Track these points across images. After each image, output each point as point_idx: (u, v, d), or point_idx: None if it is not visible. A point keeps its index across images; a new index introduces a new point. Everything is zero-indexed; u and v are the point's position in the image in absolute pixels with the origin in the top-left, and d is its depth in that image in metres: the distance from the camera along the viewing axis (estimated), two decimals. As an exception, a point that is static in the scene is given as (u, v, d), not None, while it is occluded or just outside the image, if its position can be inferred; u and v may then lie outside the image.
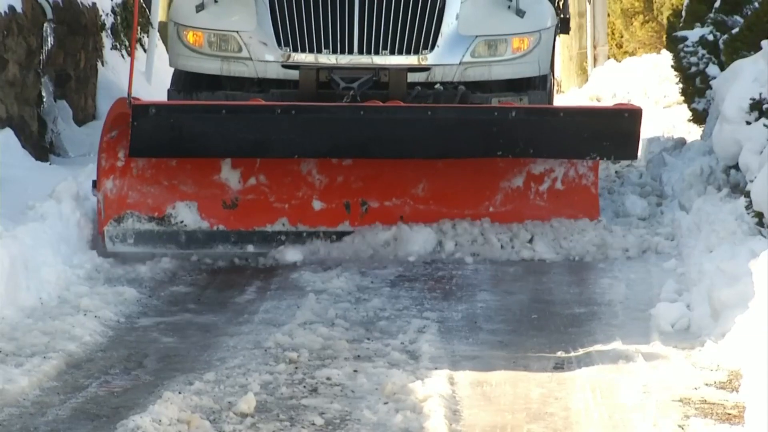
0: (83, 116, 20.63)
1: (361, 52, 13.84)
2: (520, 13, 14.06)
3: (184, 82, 14.60)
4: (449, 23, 13.93)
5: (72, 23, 21.06)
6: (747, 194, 14.88)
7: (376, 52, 13.83)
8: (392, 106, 13.66)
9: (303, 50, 13.86)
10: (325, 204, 14.35)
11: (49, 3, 19.91)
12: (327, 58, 13.87)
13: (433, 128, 13.57)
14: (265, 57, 14.06)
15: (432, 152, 13.94)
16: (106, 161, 13.83)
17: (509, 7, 14.10)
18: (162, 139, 13.29)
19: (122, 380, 10.65)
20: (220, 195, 14.21)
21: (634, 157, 15.14)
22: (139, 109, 12.91)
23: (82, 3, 21.34)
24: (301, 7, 13.65)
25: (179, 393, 9.74)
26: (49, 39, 19.75)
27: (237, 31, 14.07)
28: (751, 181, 14.86)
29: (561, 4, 16.32)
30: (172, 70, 15.82)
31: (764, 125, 15.33)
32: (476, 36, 14.09)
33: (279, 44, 13.87)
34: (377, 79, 13.79)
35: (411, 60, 13.95)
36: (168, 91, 15.10)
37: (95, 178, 14.02)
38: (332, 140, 13.74)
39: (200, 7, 14.01)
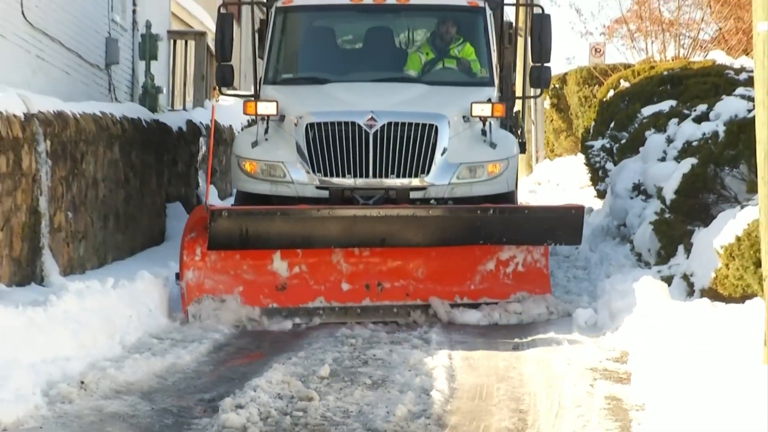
0: (224, 195, 20.69)
1: (374, 176, 12.25)
2: (493, 145, 12.59)
3: (243, 199, 13.04)
4: (440, 154, 12.36)
5: (217, 137, 21.19)
6: (631, 242, 14.93)
7: (386, 176, 12.26)
8: (402, 207, 12.14)
9: (331, 175, 12.27)
10: (351, 285, 12.48)
11: (202, 125, 20.03)
12: (350, 181, 12.26)
13: (432, 224, 12.16)
14: (303, 180, 12.41)
15: (431, 242, 12.33)
16: (188, 256, 12.18)
17: (485, 141, 12.60)
18: (233, 235, 11.81)
19: (247, 357, 10.68)
20: (273, 281, 12.38)
21: (578, 243, 13.16)
22: (215, 213, 11.63)
23: (222, 124, 21.43)
24: (330, 144, 12.26)
25: (282, 364, 9.78)
26: (202, 147, 19.85)
27: (282, 162, 12.50)
28: (634, 234, 14.91)
29: (520, 132, 15.81)
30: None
31: (641, 200, 15.34)
32: (461, 163, 12.49)
33: (313, 171, 12.29)
34: (387, 196, 12.26)
35: (412, 181, 12.33)
36: (231, 206, 13.56)
37: (178, 270, 12.33)
38: (358, 234, 12.20)
39: (254, 144, 12.68)
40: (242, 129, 21.05)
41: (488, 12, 13.77)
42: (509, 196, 12.88)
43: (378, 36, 14.09)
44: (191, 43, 24.00)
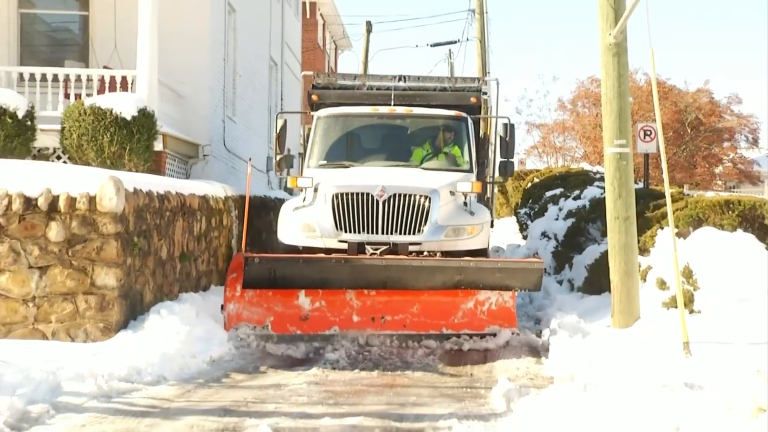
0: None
1: (382, 233, 9.34)
2: (472, 213, 9.83)
3: (285, 249, 9.83)
4: (432, 219, 9.43)
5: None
6: (540, 262, 14.71)
7: (391, 234, 9.34)
8: (401, 257, 9.18)
9: (350, 232, 9.34)
10: (360, 317, 9.29)
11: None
12: (364, 237, 9.34)
13: (424, 271, 9.14)
14: (329, 235, 9.41)
15: (424, 286, 9.25)
16: (229, 292, 9.22)
17: (466, 210, 9.82)
18: (263, 277, 9.04)
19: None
20: (298, 312, 9.25)
21: (539, 290, 9.64)
22: (249, 259, 8.99)
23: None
24: (349, 208, 9.39)
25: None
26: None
27: (315, 222, 9.52)
28: (542, 258, 14.68)
29: (491, 213, 11.40)
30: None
31: (546, 240, 15.14)
32: (447, 225, 9.54)
33: (337, 229, 9.36)
34: (391, 248, 9.34)
35: (410, 239, 9.37)
36: (261, 253, 10.23)
37: (222, 302, 9.32)
38: (366, 278, 9.16)
39: (295, 209, 9.93)
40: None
41: (470, 121, 11.45)
42: (484, 251, 10.06)
43: (390, 135, 11.69)
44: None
